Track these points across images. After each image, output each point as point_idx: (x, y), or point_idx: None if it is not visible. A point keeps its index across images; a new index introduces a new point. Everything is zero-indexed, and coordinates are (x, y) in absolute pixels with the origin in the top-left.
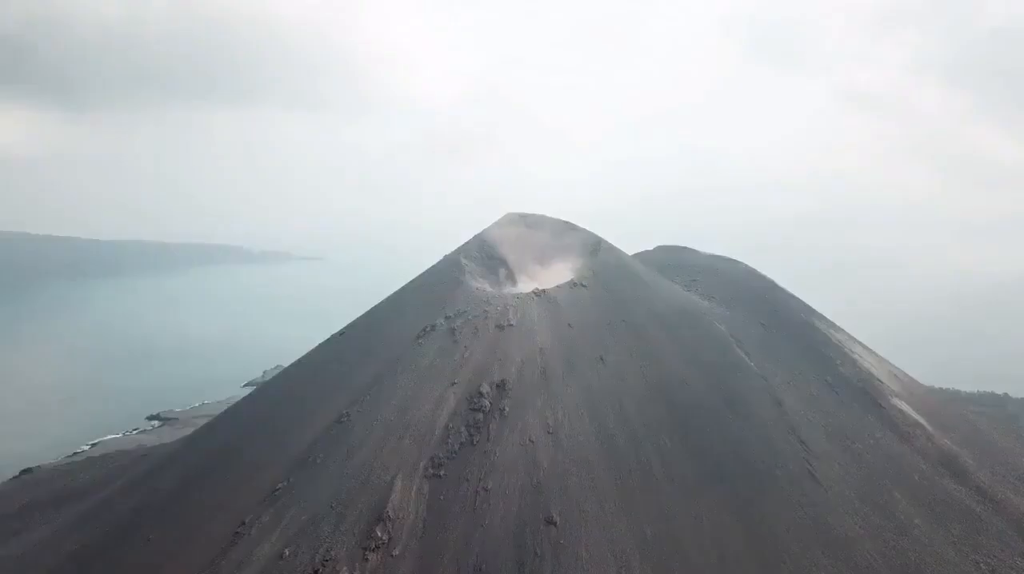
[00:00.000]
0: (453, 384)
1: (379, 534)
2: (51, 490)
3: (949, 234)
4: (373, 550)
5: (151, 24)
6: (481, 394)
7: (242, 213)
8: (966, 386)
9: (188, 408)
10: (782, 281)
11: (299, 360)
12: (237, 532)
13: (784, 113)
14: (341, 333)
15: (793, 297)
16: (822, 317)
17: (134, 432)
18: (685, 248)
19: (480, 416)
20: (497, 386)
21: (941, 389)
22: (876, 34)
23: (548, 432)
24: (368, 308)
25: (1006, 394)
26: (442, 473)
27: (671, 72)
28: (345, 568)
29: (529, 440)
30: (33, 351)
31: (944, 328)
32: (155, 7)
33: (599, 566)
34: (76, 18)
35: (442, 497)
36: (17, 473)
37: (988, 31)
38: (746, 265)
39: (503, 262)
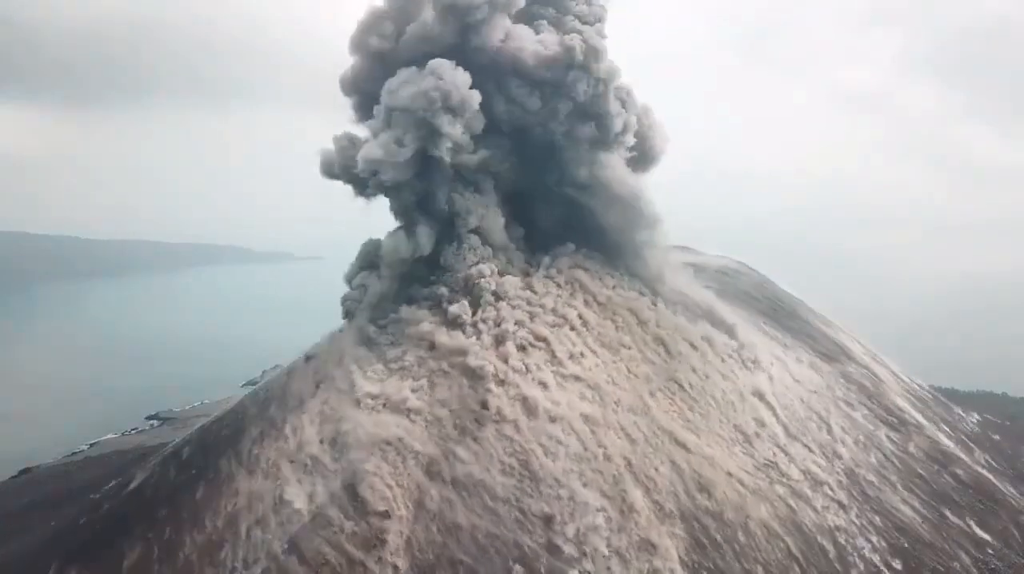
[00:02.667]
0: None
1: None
2: (50, 490)
3: (945, 233)
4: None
5: (150, 23)
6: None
7: (242, 213)
8: (965, 386)
9: (187, 408)
10: (779, 281)
11: (301, 355)
12: (236, 531)
13: (774, 112)
14: (340, 330)
15: (794, 298)
16: (823, 318)
17: (132, 432)
18: (687, 248)
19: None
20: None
21: (940, 388)
22: (864, 32)
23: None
24: None
25: (1005, 394)
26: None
27: (656, 69)
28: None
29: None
30: (33, 351)
31: (942, 328)
32: (156, 7)
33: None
34: (76, 15)
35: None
36: (16, 473)
37: (967, 29)
38: (747, 265)
39: None
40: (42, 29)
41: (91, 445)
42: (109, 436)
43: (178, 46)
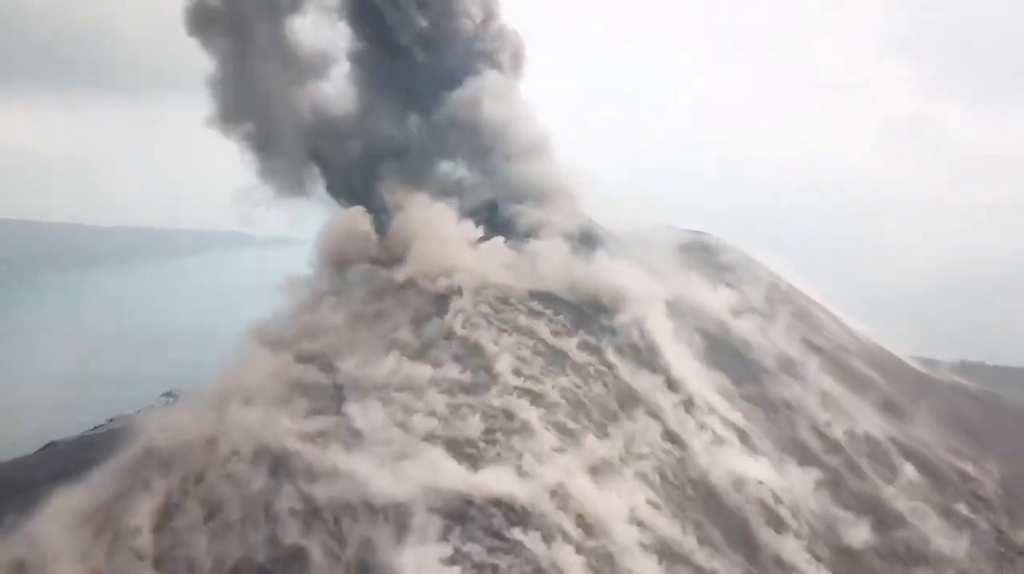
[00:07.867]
0: None
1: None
2: (73, 461)
3: (934, 216)
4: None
5: (149, 16)
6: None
7: (245, 198)
8: (943, 355)
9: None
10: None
11: None
12: None
13: (758, 98)
14: None
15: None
16: (812, 300)
17: (149, 408)
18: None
19: None
20: None
21: (921, 358)
22: (841, 16)
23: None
24: None
25: (983, 362)
26: None
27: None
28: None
29: None
30: (51, 337)
31: (929, 308)
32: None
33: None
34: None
35: None
36: (42, 446)
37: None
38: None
39: None
40: (31, 17)
41: (110, 420)
42: (128, 412)
43: (173, 36)
